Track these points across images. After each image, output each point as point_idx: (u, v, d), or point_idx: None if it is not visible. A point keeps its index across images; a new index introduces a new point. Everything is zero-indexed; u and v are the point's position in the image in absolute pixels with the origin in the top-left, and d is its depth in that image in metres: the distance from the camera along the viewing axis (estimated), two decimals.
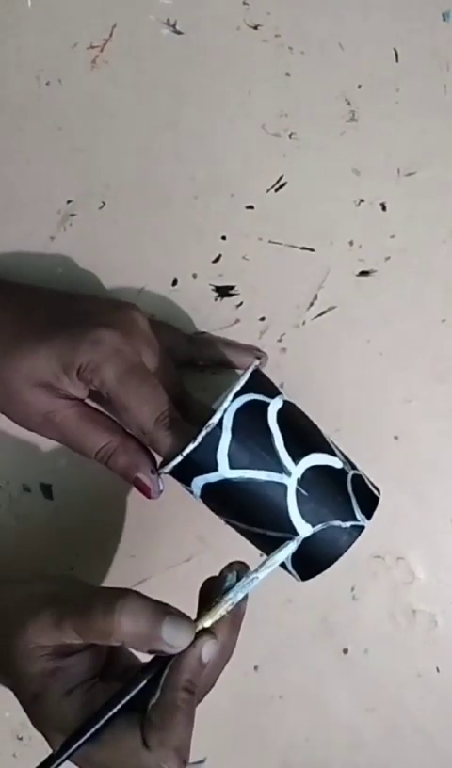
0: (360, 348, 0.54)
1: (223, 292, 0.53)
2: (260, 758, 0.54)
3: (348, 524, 0.44)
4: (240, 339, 0.53)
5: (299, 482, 0.43)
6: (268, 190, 0.53)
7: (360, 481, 0.46)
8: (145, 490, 0.46)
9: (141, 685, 0.41)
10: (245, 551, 0.53)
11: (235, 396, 0.43)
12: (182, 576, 0.53)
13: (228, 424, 0.43)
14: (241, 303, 0.53)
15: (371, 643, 0.54)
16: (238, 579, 0.43)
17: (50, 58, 0.52)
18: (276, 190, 0.53)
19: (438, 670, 0.54)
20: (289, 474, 0.43)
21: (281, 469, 0.43)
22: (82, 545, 0.53)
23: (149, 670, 0.42)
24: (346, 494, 0.45)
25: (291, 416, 0.45)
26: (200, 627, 0.42)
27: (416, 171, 0.54)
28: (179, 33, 0.52)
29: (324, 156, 0.53)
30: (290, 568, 0.46)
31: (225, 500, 0.44)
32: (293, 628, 0.54)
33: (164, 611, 0.41)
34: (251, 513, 0.44)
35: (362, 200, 0.54)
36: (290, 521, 0.44)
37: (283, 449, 0.44)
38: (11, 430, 0.52)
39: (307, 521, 0.43)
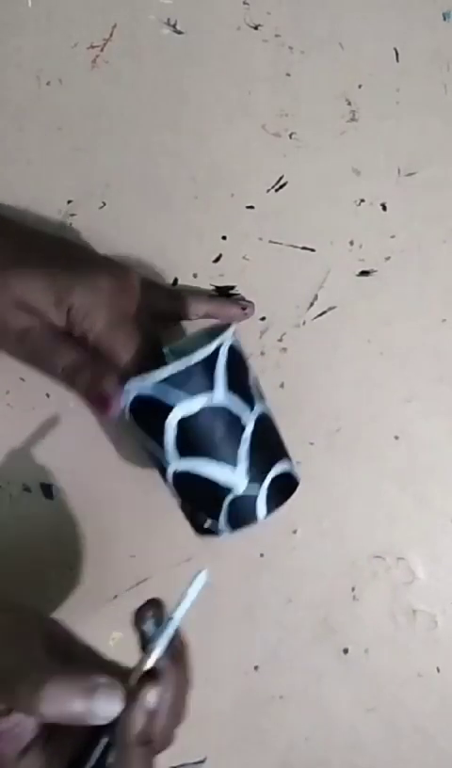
0: (360, 348, 0.54)
1: (224, 292, 0.53)
2: (260, 757, 0.54)
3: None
4: (240, 339, 0.53)
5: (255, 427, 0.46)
6: (269, 190, 0.53)
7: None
8: (105, 403, 0.46)
9: (100, 749, 0.39)
10: (245, 550, 0.54)
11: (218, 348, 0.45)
12: (182, 576, 0.53)
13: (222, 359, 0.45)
14: None
15: (371, 643, 0.54)
16: (157, 624, 0.41)
17: (50, 58, 0.52)
18: (276, 190, 0.53)
19: (438, 670, 0.54)
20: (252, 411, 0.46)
21: (248, 408, 0.46)
22: (82, 545, 0.53)
23: (103, 732, 0.39)
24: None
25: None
26: (140, 673, 0.40)
27: (416, 171, 0.54)
28: (179, 33, 0.52)
29: (324, 156, 0.53)
30: (222, 524, 0.47)
31: (195, 428, 0.45)
32: (293, 628, 0.54)
33: (90, 686, 0.38)
34: (208, 444, 0.45)
35: (362, 200, 0.54)
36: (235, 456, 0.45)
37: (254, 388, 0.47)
38: (12, 430, 0.52)
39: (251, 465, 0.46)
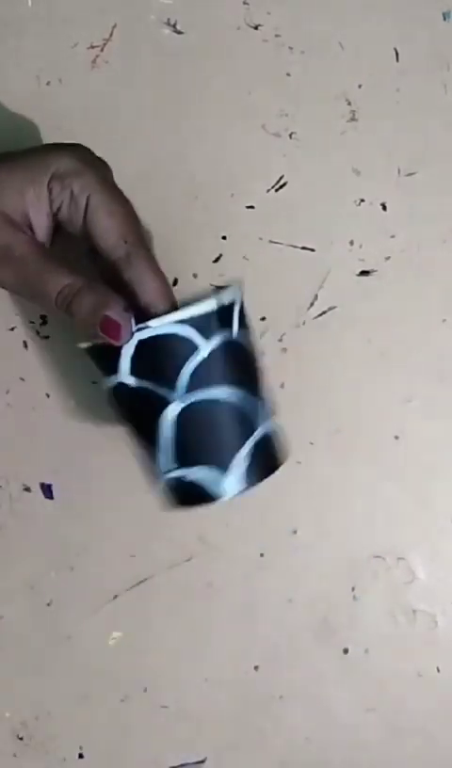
0: (360, 348, 0.54)
1: None
2: (260, 757, 0.54)
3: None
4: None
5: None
6: (269, 190, 0.53)
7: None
8: (114, 330, 0.41)
9: None
10: (245, 550, 0.54)
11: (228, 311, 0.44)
12: (182, 576, 0.53)
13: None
14: None
15: (371, 643, 0.54)
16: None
17: (50, 58, 0.52)
18: (276, 190, 0.53)
19: (438, 670, 0.54)
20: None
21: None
22: (82, 545, 0.53)
23: None
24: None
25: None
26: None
27: (417, 171, 0.54)
28: (179, 33, 0.52)
29: (324, 156, 0.53)
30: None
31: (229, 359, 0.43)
32: (293, 628, 0.54)
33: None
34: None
35: (362, 200, 0.54)
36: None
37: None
38: (12, 430, 0.52)
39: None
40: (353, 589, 0.54)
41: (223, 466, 0.43)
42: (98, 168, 0.43)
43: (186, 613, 0.53)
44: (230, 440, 0.44)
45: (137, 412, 0.44)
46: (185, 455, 0.43)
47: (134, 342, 0.42)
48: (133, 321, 0.42)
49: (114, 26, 0.52)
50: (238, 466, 0.44)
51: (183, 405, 0.43)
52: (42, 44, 0.52)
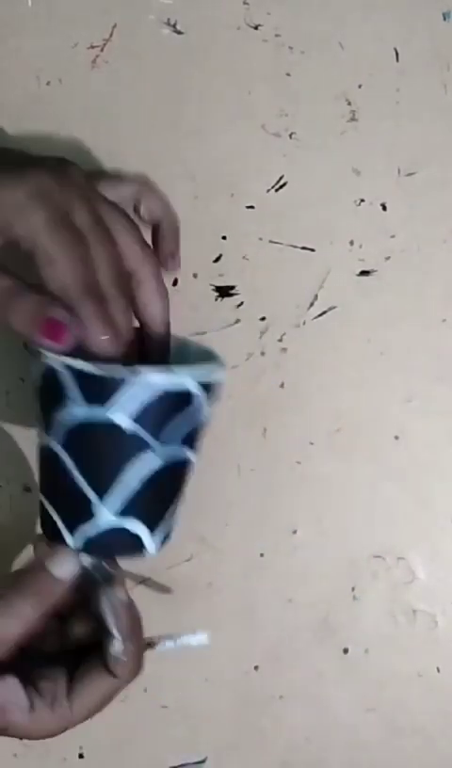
0: (360, 348, 0.54)
1: (224, 292, 0.53)
2: (260, 758, 0.54)
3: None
4: (240, 339, 0.53)
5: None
6: (269, 190, 0.53)
7: None
8: (59, 330, 0.37)
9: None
10: (245, 550, 0.54)
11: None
12: (182, 576, 0.53)
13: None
14: (241, 303, 0.53)
15: (371, 643, 0.54)
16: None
17: (50, 58, 0.52)
18: (276, 190, 0.53)
19: (438, 670, 0.54)
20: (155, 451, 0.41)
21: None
22: None
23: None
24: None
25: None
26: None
27: (417, 171, 0.54)
28: (179, 33, 0.52)
29: (324, 156, 0.53)
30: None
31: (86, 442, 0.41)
32: (293, 628, 0.54)
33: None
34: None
35: (362, 200, 0.54)
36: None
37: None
38: (12, 430, 0.52)
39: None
40: (353, 589, 0.54)
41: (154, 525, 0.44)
42: (51, 201, 0.37)
43: (186, 613, 0.53)
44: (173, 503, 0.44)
45: (102, 452, 0.41)
46: (143, 506, 0.42)
47: (145, 388, 0.40)
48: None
49: (114, 26, 0.52)
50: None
51: (162, 461, 0.42)
52: (42, 44, 0.52)
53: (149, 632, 0.53)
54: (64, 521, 0.42)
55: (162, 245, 0.49)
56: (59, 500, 0.43)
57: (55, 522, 0.43)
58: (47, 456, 0.43)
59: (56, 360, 0.39)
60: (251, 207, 0.53)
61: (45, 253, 0.37)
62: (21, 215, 0.37)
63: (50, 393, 0.41)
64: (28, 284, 0.39)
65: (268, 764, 0.54)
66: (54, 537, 0.43)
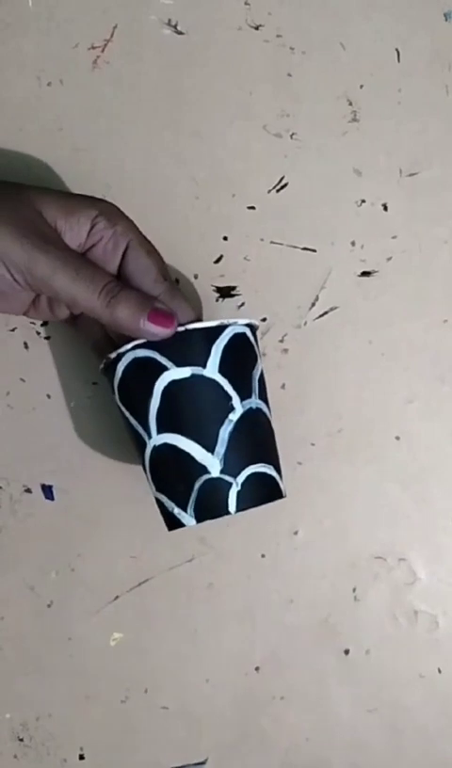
0: (361, 349, 0.54)
1: (225, 292, 0.53)
2: (261, 758, 0.54)
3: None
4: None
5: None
6: (270, 191, 0.53)
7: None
8: (166, 318, 0.44)
9: None
10: (246, 551, 0.54)
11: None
12: (183, 576, 0.53)
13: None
14: (243, 304, 0.53)
15: (372, 644, 0.54)
16: None
17: (51, 59, 0.52)
18: (277, 191, 0.53)
19: (439, 671, 0.54)
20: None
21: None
22: (82, 545, 0.53)
23: None
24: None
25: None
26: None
27: (418, 172, 0.54)
28: (180, 33, 0.52)
29: (325, 157, 0.53)
30: (190, 511, 0.45)
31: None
32: (294, 628, 0.54)
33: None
34: (191, 417, 0.45)
35: (363, 201, 0.53)
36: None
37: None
38: (12, 431, 0.52)
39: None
40: (354, 590, 0.54)
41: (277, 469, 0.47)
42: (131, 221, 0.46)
43: (187, 614, 0.53)
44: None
45: (198, 408, 0.44)
46: (250, 454, 0.45)
47: (227, 336, 0.45)
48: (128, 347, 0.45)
49: (115, 27, 0.52)
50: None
51: (242, 411, 0.45)
52: (43, 45, 0.52)
53: (150, 634, 0.53)
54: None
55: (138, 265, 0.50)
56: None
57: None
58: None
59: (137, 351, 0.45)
60: (253, 208, 0.53)
61: (144, 246, 0.45)
62: (122, 219, 0.45)
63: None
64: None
65: (269, 765, 0.54)
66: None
